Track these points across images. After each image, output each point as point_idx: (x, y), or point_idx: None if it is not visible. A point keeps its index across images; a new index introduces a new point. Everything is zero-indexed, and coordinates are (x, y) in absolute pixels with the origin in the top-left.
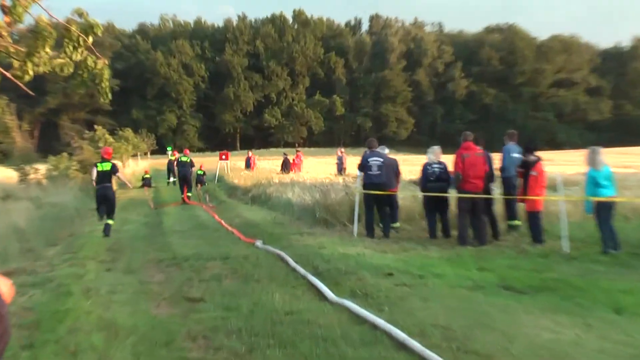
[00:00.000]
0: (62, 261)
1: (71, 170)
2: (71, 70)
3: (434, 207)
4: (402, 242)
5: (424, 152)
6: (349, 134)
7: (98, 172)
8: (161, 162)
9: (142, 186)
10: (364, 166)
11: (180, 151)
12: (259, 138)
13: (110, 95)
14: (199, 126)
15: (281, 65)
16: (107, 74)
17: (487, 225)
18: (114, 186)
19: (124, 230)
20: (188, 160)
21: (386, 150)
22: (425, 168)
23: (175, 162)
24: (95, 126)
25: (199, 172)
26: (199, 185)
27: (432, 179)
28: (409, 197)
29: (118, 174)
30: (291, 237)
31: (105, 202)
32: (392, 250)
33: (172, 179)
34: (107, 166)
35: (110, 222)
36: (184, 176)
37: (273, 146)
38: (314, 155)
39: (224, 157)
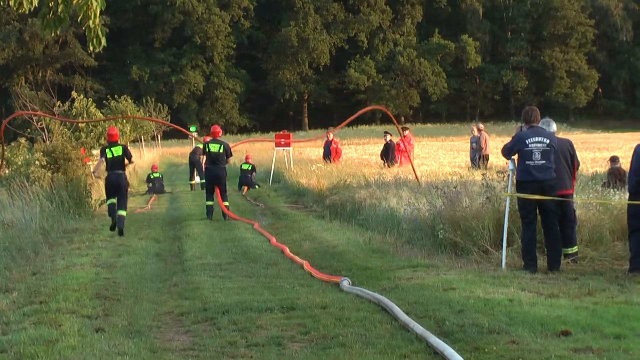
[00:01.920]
0: (22, 317)
1: (34, 167)
2: (36, 2)
3: None
4: (583, 279)
5: (616, 127)
6: (489, 99)
7: (107, 159)
8: (179, 151)
9: (149, 191)
10: (518, 152)
11: (209, 133)
12: (340, 109)
13: (104, 40)
14: (240, 91)
15: None
16: (97, 4)
17: None
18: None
19: (123, 264)
20: (221, 150)
21: (553, 126)
22: None
23: (202, 152)
24: (73, 94)
25: (245, 166)
26: (245, 187)
27: None
28: (594, 206)
29: (132, 160)
30: (398, 272)
31: (117, 192)
32: (567, 292)
33: (198, 179)
34: (118, 151)
35: (122, 213)
36: (216, 175)
37: (364, 123)
38: (433, 135)
39: (283, 142)
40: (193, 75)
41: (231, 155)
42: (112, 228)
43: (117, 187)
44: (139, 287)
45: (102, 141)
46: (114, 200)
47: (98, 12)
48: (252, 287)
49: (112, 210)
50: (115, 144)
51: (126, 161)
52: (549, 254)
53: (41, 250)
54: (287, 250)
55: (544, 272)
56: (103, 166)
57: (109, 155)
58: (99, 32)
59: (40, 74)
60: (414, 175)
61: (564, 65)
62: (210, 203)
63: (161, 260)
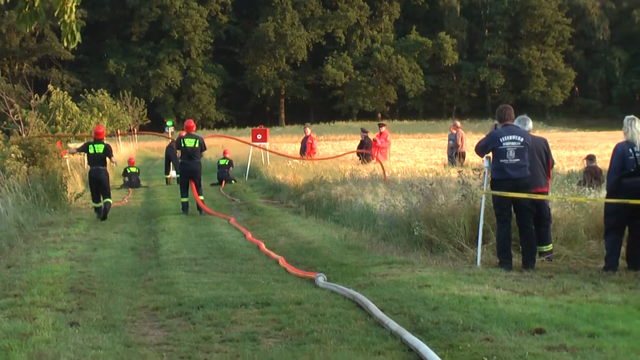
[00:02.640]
0: None
1: (10, 160)
2: None
3: (625, 220)
4: (558, 277)
5: (592, 126)
6: (466, 96)
7: (90, 154)
8: (156, 145)
9: (124, 186)
10: (492, 150)
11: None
12: (317, 105)
13: (79, 36)
14: (217, 86)
15: None
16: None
17: None
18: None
19: (98, 258)
20: (196, 144)
21: (529, 124)
22: (622, 151)
23: (176, 143)
24: (50, 87)
25: (222, 161)
26: (222, 182)
27: (632, 171)
28: (569, 204)
29: (113, 159)
30: (373, 269)
31: (99, 186)
32: (542, 290)
33: (173, 174)
34: (100, 148)
35: (108, 200)
36: (192, 170)
37: (340, 119)
38: (410, 132)
39: (259, 136)
40: (170, 69)
41: (205, 149)
42: (101, 218)
43: (98, 181)
44: (114, 281)
45: (78, 134)
46: (99, 205)
47: (74, 7)
48: (227, 282)
49: (97, 212)
50: (100, 141)
51: (108, 159)
52: (524, 251)
53: (16, 243)
54: (263, 245)
55: (519, 270)
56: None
57: (90, 151)
58: (74, 28)
59: (16, 67)
60: (389, 172)
61: (541, 64)
62: (185, 200)
63: (136, 254)
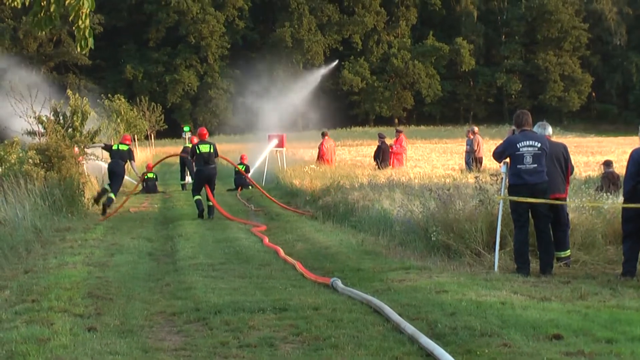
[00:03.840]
0: (13, 315)
1: (27, 165)
2: None
3: None
4: (575, 283)
5: (609, 131)
6: (483, 102)
7: (112, 150)
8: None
9: (142, 191)
10: (510, 156)
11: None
12: (334, 110)
13: (92, 42)
14: (234, 91)
15: None
16: (87, 4)
17: None
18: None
19: (115, 263)
20: (211, 149)
21: (548, 130)
22: (638, 157)
23: (190, 152)
24: (69, 92)
25: (239, 167)
26: (239, 188)
27: None
28: (586, 210)
29: (133, 164)
30: (390, 274)
31: (112, 178)
32: (560, 296)
33: (189, 179)
34: (124, 147)
35: (111, 195)
36: (209, 175)
37: (357, 124)
38: (427, 138)
39: (275, 141)
40: (187, 75)
41: (217, 155)
42: (103, 213)
43: (112, 172)
44: (131, 286)
45: (95, 140)
46: (112, 196)
47: (88, 12)
48: (244, 287)
49: (108, 200)
50: (125, 144)
51: (129, 162)
52: (542, 257)
53: (33, 248)
54: (281, 251)
55: (537, 275)
56: (101, 152)
57: (114, 147)
58: (86, 34)
59: (34, 72)
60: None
61: (558, 69)
62: (198, 197)
63: (154, 259)
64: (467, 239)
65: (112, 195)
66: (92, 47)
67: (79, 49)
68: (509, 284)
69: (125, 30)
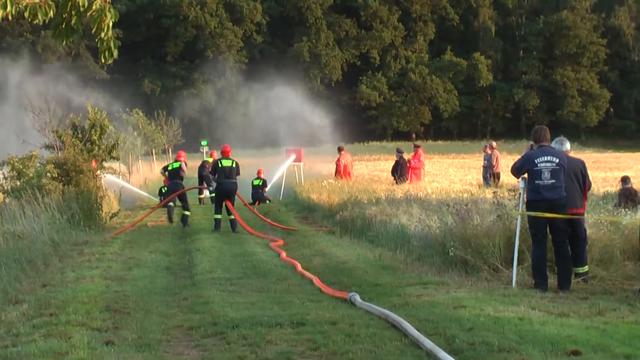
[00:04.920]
0: (31, 329)
1: (45, 179)
2: (51, 13)
3: None
4: (593, 299)
5: (627, 147)
6: (500, 117)
7: (169, 170)
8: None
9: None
10: (527, 171)
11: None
12: (351, 125)
13: (116, 52)
14: (252, 106)
15: (388, 3)
16: (111, 16)
17: None
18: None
19: (133, 277)
20: (234, 164)
21: (566, 145)
22: None
23: (212, 168)
24: (87, 105)
25: (256, 181)
26: (257, 202)
27: None
28: (604, 225)
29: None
30: (408, 289)
31: (179, 198)
32: (578, 312)
33: (207, 193)
34: (177, 164)
35: (186, 212)
36: (229, 190)
37: (375, 139)
38: (444, 153)
39: (293, 156)
40: (204, 89)
41: (239, 173)
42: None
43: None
44: (149, 300)
45: (114, 154)
46: (187, 213)
47: (111, 24)
48: (262, 302)
49: (183, 218)
50: (177, 162)
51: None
52: (560, 273)
53: (51, 262)
54: (299, 265)
55: (555, 291)
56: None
57: (169, 167)
58: (111, 44)
59: (52, 86)
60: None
61: (576, 84)
62: (218, 217)
63: (171, 273)
64: (484, 254)
65: (186, 212)
66: (117, 57)
67: (102, 60)
68: (526, 299)
69: (143, 45)
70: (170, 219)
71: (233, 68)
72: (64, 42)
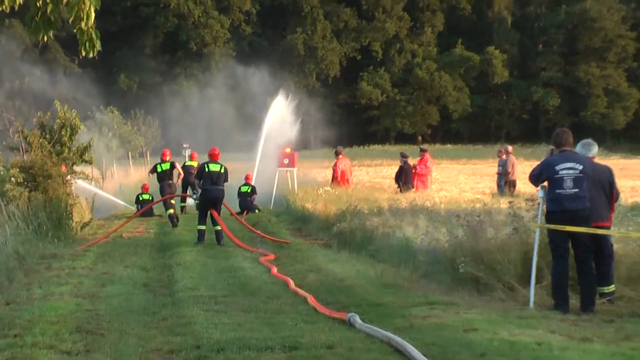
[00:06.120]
0: None
1: (9, 184)
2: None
3: None
4: (620, 322)
5: None
6: (517, 118)
7: (159, 172)
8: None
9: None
10: (547, 179)
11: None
12: (350, 126)
13: (99, 44)
14: (239, 104)
15: None
16: (89, 2)
17: None
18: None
19: (107, 295)
20: (222, 170)
21: (594, 150)
22: None
23: (197, 172)
24: (56, 103)
25: (244, 188)
26: (245, 212)
27: None
28: (633, 240)
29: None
30: (413, 310)
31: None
32: (602, 336)
33: (190, 202)
34: (166, 165)
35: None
36: (216, 197)
37: (376, 142)
38: (454, 158)
39: (286, 161)
40: (187, 85)
41: (227, 180)
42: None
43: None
44: (125, 320)
45: (86, 157)
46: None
47: (92, 12)
48: (250, 322)
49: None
50: (166, 163)
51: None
52: (582, 292)
53: (16, 277)
54: (292, 282)
55: (577, 313)
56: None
57: (159, 169)
58: (93, 35)
59: (17, 81)
60: (431, 202)
61: (601, 82)
62: (202, 227)
63: (149, 291)
64: (499, 271)
65: (171, 210)
66: (100, 50)
67: (83, 53)
68: (545, 322)
69: (118, 36)
70: (173, 224)
71: (219, 62)
72: (44, 37)
